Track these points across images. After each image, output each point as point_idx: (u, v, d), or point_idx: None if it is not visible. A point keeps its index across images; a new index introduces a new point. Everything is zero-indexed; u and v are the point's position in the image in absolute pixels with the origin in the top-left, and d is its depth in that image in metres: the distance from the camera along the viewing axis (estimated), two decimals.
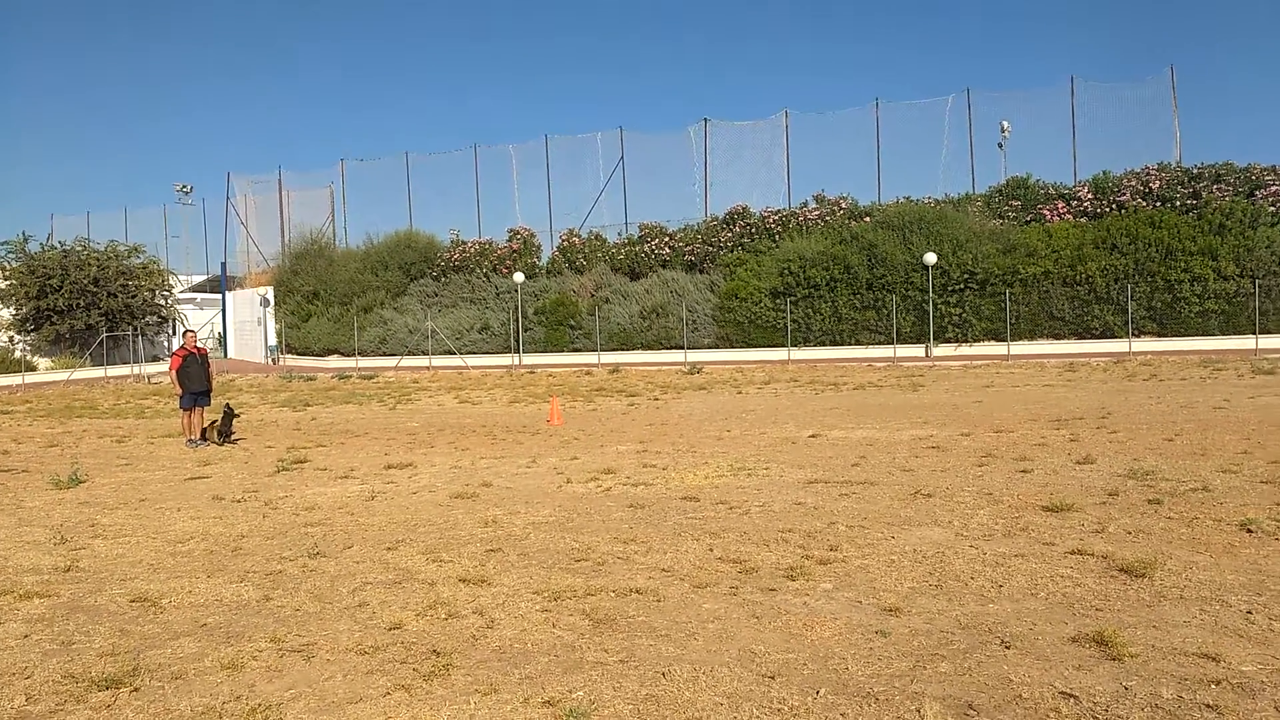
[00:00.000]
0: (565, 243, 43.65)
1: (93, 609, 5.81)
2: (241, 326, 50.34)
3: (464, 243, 44.76)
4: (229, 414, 14.82)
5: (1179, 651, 4.45)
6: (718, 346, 37.65)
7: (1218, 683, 4.06)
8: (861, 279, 35.62)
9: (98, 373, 37.86)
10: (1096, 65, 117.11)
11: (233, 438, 14.78)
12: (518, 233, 44.45)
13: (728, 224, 40.66)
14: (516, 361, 38.57)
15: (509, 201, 49.27)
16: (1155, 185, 34.97)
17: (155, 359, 42.71)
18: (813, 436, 13.20)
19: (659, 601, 5.55)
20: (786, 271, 36.49)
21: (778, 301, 36.55)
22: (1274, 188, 33.38)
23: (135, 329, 42.70)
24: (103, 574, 6.67)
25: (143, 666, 4.73)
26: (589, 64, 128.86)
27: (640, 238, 42.26)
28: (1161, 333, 32.74)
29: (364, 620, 5.38)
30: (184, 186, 57.22)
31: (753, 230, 39.81)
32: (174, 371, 14.93)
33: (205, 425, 14.82)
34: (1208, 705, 3.85)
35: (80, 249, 44.75)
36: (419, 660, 4.68)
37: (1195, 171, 35.02)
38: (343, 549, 7.17)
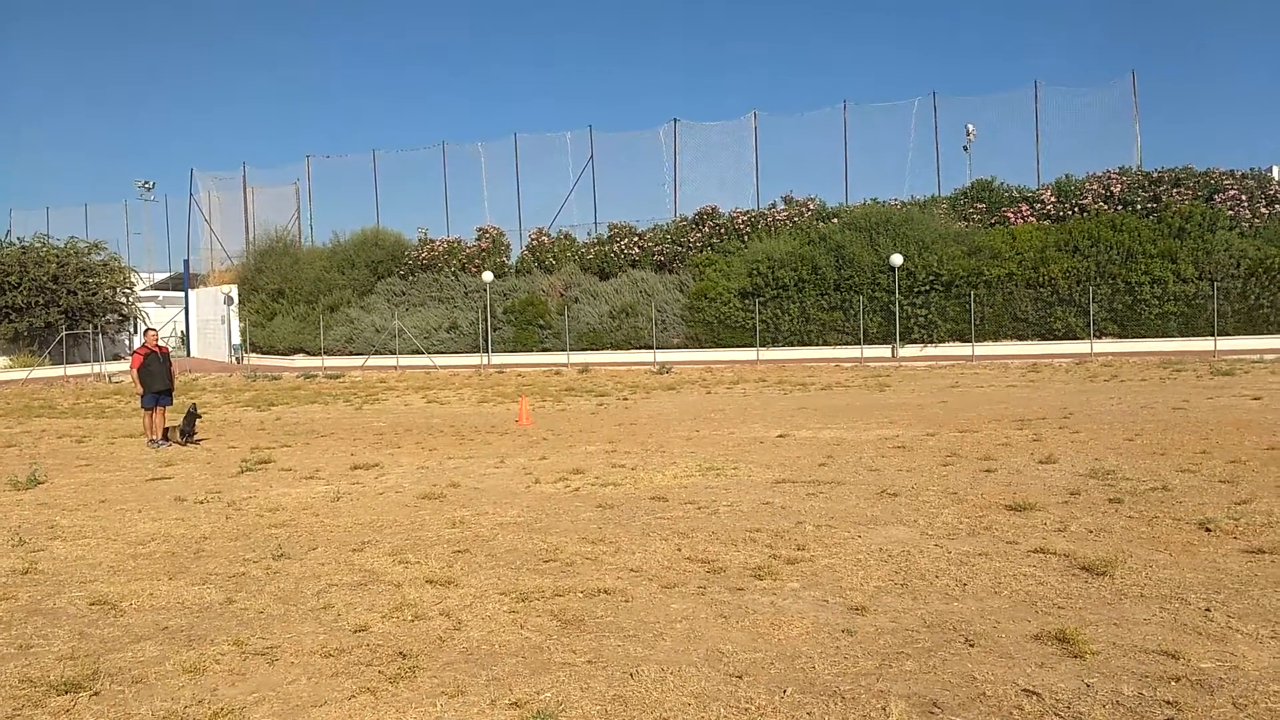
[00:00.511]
0: (534, 242, 43.53)
1: (51, 612, 5.70)
2: (205, 325, 49.67)
3: (432, 241, 44.49)
4: (191, 414, 14.62)
5: (1139, 649, 4.52)
6: (687, 346, 37.73)
7: (1177, 679, 4.13)
8: (829, 280, 35.85)
9: (57, 371, 37.20)
10: (1060, 70, 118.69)
11: (195, 438, 14.59)
12: (486, 231, 44.26)
13: (697, 224, 40.77)
14: (485, 361, 38.41)
15: (478, 200, 49.17)
16: (1117, 189, 35.54)
17: (116, 357, 42.02)
18: (780, 436, 13.26)
19: (627, 602, 5.54)
20: (755, 272, 36.64)
21: (746, 302, 36.69)
22: (1232, 192, 34.04)
23: (95, 327, 41.98)
24: (62, 576, 6.55)
25: (103, 670, 4.65)
26: (559, 63, 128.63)
27: (610, 237, 42.25)
28: (1122, 334, 33.26)
29: (329, 622, 5.32)
30: (146, 183, 56.51)
31: (722, 231, 39.94)
32: (135, 370, 14.70)
33: (167, 425, 14.62)
34: (1168, 702, 3.91)
35: (39, 245, 43.95)
36: (385, 662, 4.64)
37: (1155, 175, 35.65)
38: (307, 550, 7.10)
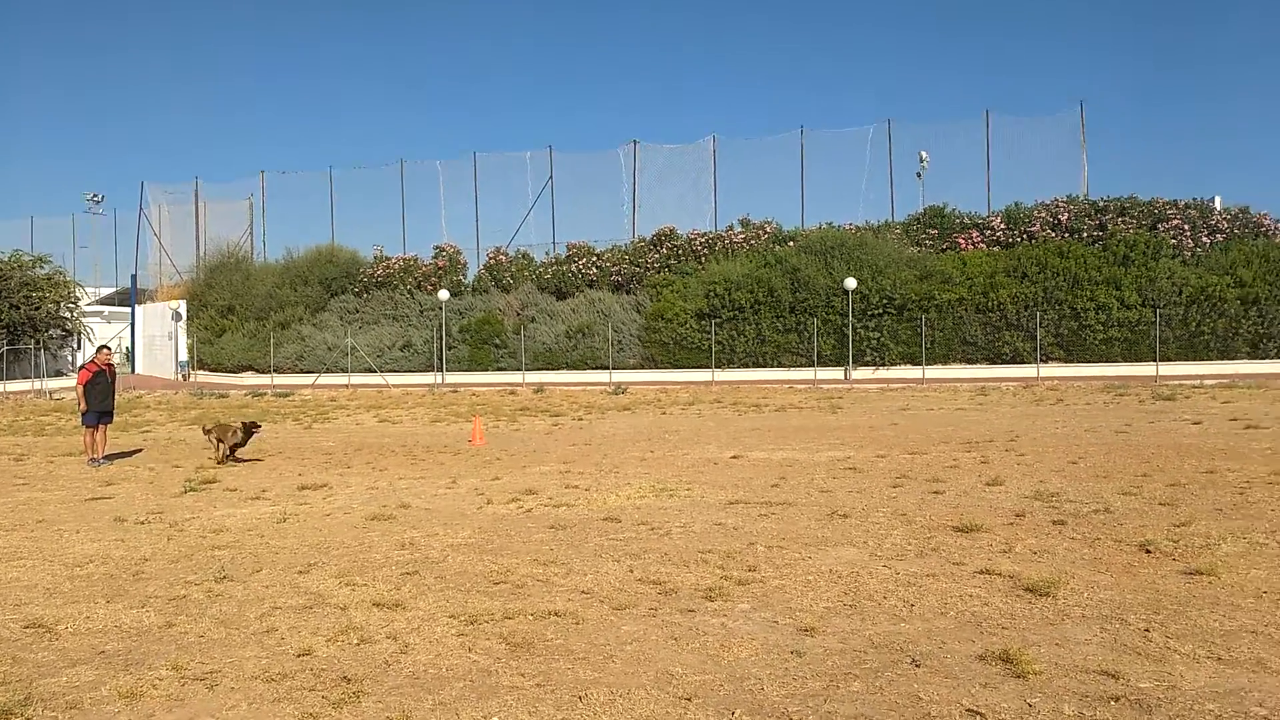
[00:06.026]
0: (492, 261, 43.40)
1: None
2: (151, 341, 48.71)
3: (388, 259, 44.16)
4: (249, 429, 13.86)
5: (1080, 669, 4.59)
6: (643, 367, 37.78)
7: (1117, 699, 4.20)
8: (784, 302, 36.19)
9: None
10: (1011, 100, 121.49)
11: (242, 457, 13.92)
12: (444, 250, 44.05)
13: (655, 245, 40.96)
14: (439, 380, 38.09)
15: (435, 218, 48.89)
16: (1064, 217, 36.40)
17: (58, 374, 41.01)
18: (734, 457, 13.31)
19: (578, 624, 5.51)
20: (712, 294, 36.86)
21: (703, 323, 36.87)
22: (1175, 221, 35.03)
23: (38, 342, 40.94)
24: None
25: (35, 695, 4.51)
26: (518, 82, 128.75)
27: (568, 257, 42.28)
28: (1068, 359, 33.96)
29: (271, 646, 5.22)
30: (94, 195, 55.43)
31: (679, 252, 40.18)
32: (82, 386, 14.34)
33: (226, 448, 13.75)
34: None
35: None
36: (328, 688, 4.56)
37: (1101, 204, 36.59)
38: (251, 573, 6.96)
